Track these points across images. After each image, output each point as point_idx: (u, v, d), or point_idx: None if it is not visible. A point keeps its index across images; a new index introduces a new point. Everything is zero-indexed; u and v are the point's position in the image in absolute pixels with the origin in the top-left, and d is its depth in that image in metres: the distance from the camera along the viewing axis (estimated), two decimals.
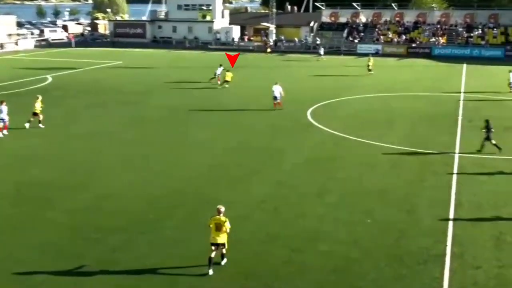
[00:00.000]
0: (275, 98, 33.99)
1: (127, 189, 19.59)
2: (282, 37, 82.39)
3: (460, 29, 76.42)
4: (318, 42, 76.13)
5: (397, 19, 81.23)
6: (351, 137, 27.39)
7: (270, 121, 30.90)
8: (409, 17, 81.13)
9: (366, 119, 31.89)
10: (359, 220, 17.01)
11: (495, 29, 75.39)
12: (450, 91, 42.34)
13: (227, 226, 13.75)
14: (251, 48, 79.20)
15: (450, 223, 16.87)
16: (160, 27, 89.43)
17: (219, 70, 44.47)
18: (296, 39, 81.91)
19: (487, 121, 24.98)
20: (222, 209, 13.89)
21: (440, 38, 74.54)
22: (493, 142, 24.51)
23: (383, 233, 16.13)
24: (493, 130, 24.77)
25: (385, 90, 42.51)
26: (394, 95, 40.65)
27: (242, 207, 17.86)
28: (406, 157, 24.15)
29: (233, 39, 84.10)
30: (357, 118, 32.09)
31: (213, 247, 13.80)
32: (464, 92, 41.76)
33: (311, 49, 75.90)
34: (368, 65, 51.92)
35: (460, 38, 74.62)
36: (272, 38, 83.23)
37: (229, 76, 43.22)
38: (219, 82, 43.69)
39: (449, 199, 18.91)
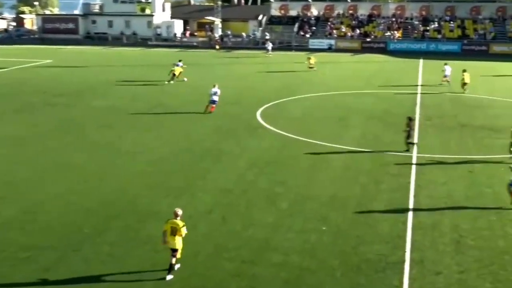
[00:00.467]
0: (213, 102, 33.15)
1: (55, 201, 19.04)
2: (229, 32, 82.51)
3: (416, 22, 78.51)
4: (267, 37, 76.59)
5: (350, 12, 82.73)
6: (303, 139, 27.59)
7: (216, 123, 30.78)
8: (363, 9, 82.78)
9: (319, 119, 32.24)
10: (313, 228, 17.11)
11: (451, 22, 77.83)
12: (406, 88, 43.34)
13: (183, 231, 14.09)
14: (195, 44, 78.96)
15: (409, 228, 17.19)
16: (94, 22, 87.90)
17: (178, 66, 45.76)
18: (244, 34, 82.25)
19: (409, 118, 26.10)
20: (180, 212, 14.27)
21: (395, 32, 76.33)
22: (410, 140, 25.53)
23: (338, 241, 16.28)
24: (414, 129, 26.40)
25: (339, 87, 43.13)
26: (348, 92, 41.28)
27: (186, 217, 17.63)
28: (360, 158, 24.52)
29: (175, 34, 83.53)
30: (309, 118, 32.39)
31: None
32: (422, 88, 42.83)
33: (259, 45, 76.28)
34: (311, 63, 53.19)
35: (416, 32, 76.62)
36: (218, 33, 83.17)
37: (178, 70, 44.99)
38: (186, 79, 44.98)
39: (407, 202, 19.29)
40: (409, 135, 25.64)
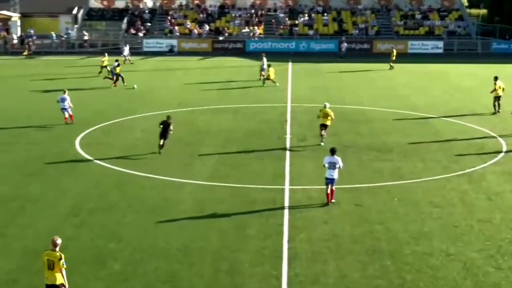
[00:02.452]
0: (64, 109, 36.71)
1: None
2: (32, 31, 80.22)
3: (282, 15, 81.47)
4: (86, 38, 75.72)
5: (196, 2, 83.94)
6: (140, 173, 27.49)
7: (15, 159, 29.87)
8: None
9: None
10: None
11: (325, 14, 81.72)
12: (273, 100, 44.71)
13: (61, 265, 15.29)
14: None
15: (284, 284, 17.62)
16: None
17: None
18: (54, 34, 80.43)
19: (167, 117, 30.91)
20: (58, 241, 15.48)
21: (255, 27, 78.52)
22: (161, 142, 30.17)
23: None
24: (171, 131, 30.67)
25: (186, 103, 43.52)
26: (198, 109, 41.80)
27: None
28: (218, 196, 24.88)
29: None
30: (147, 145, 32.29)
31: None
32: (293, 99, 44.43)
33: (76, 48, 75.20)
34: (103, 66, 55.06)
35: (282, 27, 79.45)
36: (17, 33, 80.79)
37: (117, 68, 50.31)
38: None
39: (280, 250, 19.79)
40: (163, 135, 30.24)
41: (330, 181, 23.64)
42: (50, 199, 24.53)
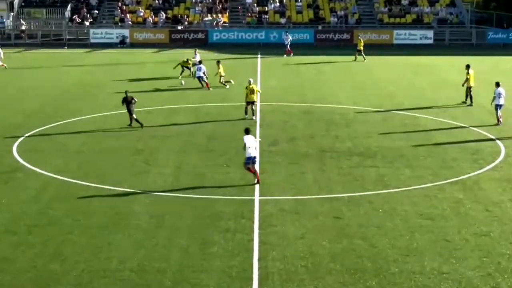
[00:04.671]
0: None
1: None
2: None
3: (249, 1, 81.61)
4: (23, 28, 75.24)
5: None
6: (87, 183, 27.42)
7: None
8: None
9: (109, 151, 32.34)
10: None
11: (299, 0, 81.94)
12: (239, 99, 44.68)
13: None
14: None
15: None
16: None
17: None
18: None
19: (125, 93, 35.98)
20: None
21: (219, 15, 78.57)
22: (134, 116, 35.30)
23: None
24: (135, 102, 35.96)
25: (139, 103, 43.01)
26: (153, 109, 41.70)
27: None
28: (177, 208, 24.88)
29: None
30: (93, 151, 32.23)
31: None
32: (262, 97, 44.49)
33: (12, 40, 74.65)
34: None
35: (249, 15, 79.60)
36: None
37: None
38: None
39: (250, 270, 19.79)
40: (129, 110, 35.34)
41: (252, 159, 27.05)
42: None
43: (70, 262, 20.30)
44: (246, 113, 38.49)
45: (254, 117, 38.18)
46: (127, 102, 36.02)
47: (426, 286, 18.81)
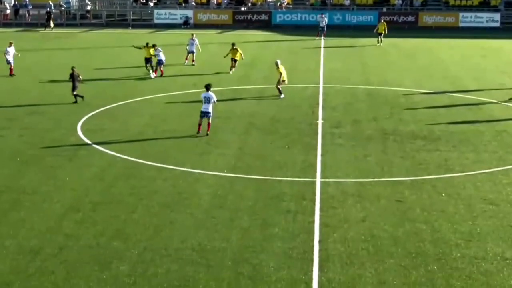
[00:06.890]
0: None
1: None
2: (27, 1, 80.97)
3: None
4: (88, 8, 76.06)
5: None
6: (151, 163, 27.64)
7: (9, 146, 30.20)
8: None
9: (172, 132, 32.49)
10: None
11: None
12: (303, 81, 44.67)
13: None
14: None
15: None
16: None
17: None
18: (52, 3, 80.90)
19: (72, 69, 37.54)
20: None
21: None
22: (75, 92, 37.15)
23: None
24: (80, 79, 37.73)
25: (202, 84, 43.43)
26: (215, 90, 41.74)
27: None
28: (239, 190, 24.93)
29: None
30: (157, 131, 32.49)
31: None
32: (325, 79, 44.37)
33: (77, 19, 75.53)
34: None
35: None
36: (10, 2, 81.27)
37: None
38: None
39: (311, 251, 19.78)
40: (74, 87, 36.97)
41: (204, 114, 31.00)
42: (47, 191, 24.68)
43: (132, 240, 20.57)
44: (280, 92, 39.32)
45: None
46: (73, 78, 37.59)
47: (488, 272, 18.62)
